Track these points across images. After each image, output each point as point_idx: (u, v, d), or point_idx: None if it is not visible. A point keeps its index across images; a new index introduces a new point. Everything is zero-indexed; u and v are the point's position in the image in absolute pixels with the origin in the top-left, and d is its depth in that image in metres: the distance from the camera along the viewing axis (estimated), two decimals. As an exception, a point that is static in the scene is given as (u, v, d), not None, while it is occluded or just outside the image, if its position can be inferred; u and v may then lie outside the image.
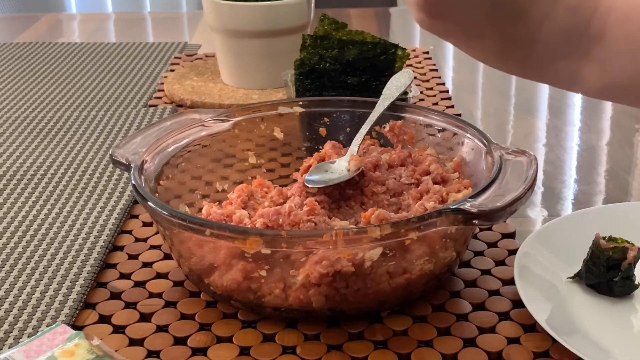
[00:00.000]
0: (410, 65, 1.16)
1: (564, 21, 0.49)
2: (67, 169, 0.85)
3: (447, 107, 1.01)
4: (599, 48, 0.48)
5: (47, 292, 0.63)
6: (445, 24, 0.52)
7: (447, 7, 0.50)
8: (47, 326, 0.59)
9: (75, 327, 0.60)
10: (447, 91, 1.07)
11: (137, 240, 0.72)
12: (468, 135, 0.70)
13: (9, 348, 0.56)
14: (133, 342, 0.58)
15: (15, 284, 0.65)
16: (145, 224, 0.75)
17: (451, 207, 0.55)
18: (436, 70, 1.16)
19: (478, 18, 0.50)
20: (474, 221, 0.55)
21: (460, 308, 0.61)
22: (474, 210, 0.55)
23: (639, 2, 0.47)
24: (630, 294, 0.62)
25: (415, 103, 0.97)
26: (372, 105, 0.73)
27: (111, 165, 0.80)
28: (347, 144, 0.71)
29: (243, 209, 0.66)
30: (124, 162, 0.66)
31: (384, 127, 0.74)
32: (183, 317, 0.61)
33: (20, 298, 0.63)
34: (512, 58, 0.52)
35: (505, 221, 0.71)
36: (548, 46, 0.50)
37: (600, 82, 0.50)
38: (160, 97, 1.07)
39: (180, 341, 0.58)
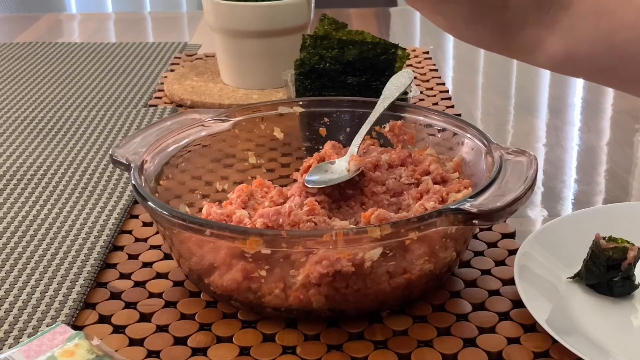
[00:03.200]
0: (410, 65, 1.16)
1: None
2: (67, 169, 0.85)
3: (447, 107, 1.01)
4: (566, 15, 0.49)
5: (47, 292, 0.63)
6: None
7: None
8: (47, 326, 0.59)
9: (75, 327, 0.60)
10: (447, 91, 1.07)
11: (137, 240, 0.72)
12: (468, 135, 0.70)
13: (9, 348, 0.56)
14: (133, 342, 0.58)
15: (15, 284, 0.65)
16: (145, 224, 0.75)
17: (451, 207, 0.55)
18: (436, 70, 1.16)
19: None
20: (474, 221, 0.55)
21: (460, 308, 0.61)
22: (474, 210, 0.55)
23: None
24: (630, 294, 0.62)
25: (415, 103, 0.97)
26: (372, 105, 0.73)
27: (111, 165, 0.80)
28: (347, 144, 0.71)
29: (243, 209, 0.66)
30: (124, 162, 0.66)
31: (384, 127, 0.74)
32: (183, 317, 0.61)
33: (20, 298, 0.63)
34: (482, 23, 0.53)
35: (505, 221, 0.71)
36: (518, 11, 0.50)
37: (563, 51, 0.50)
38: (160, 97, 1.07)
39: (180, 341, 0.58)
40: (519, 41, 0.52)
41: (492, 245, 0.70)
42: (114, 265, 0.68)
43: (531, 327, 0.59)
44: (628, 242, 0.62)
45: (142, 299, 0.63)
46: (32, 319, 0.60)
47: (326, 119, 0.77)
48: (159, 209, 0.58)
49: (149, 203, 0.59)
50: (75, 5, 2.44)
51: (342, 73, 0.83)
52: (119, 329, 0.60)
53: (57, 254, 0.69)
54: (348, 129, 0.76)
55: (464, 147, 0.70)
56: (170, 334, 0.59)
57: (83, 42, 1.33)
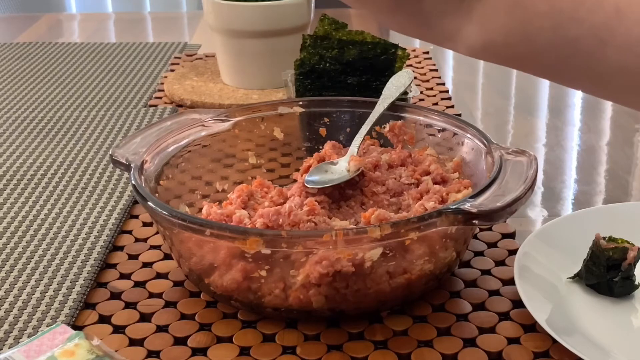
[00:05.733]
0: (410, 65, 1.16)
1: None
2: (67, 169, 0.85)
3: (447, 107, 1.01)
4: (480, 5, 0.50)
5: (47, 292, 0.63)
6: None
7: None
8: (47, 326, 0.59)
9: (75, 327, 0.60)
10: (447, 91, 1.07)
11: (137, 240, 0.72)
12: (468, 135, 0.70)
13: (9, 348, 0.56)
14: (133, 342, 0.58)
15: (15, 284, 0.65)
16: (145, 224, 0.75)
17: (451, 207, 0.55)
18: (436, 70, 1.16)
19: None
20: (474, 221, 0.55)
21: (460, 308, 0.61)
22: (474, 210, 0.55)
23: None
24: (630, 294, 0.62)
25: (415, 103, 0.97)
26: (372, 105, 0.73)
27: (111, 165, 0.80)
28: (347, 144, 0.71)
29: (243, 209, 0.66)
30: (124, 162, 0.66)
31: (384, 127, 0.74)
32: (183, 317, 0.61)
33: (20, 298, 0.63)
34: (401, 14, 0.54)
35: (505, 221, 0.71)
36: (434, 2, 0.51)
37: (481, 40, 0.51)
38: (160, 97, 1.07)
39: (180, 341, 0.58)
40: (439, 30, 0.53)
41: (492, 245, 0.70)
42: (114, 265, 0.68)
43: (531, 327, 0.59)
44: (628, 242, 0.62)
45: (142, 299, 0.63)
46: (32, 319, 0.60)
47: (326, 119, 0.77)
48: (159, 209, 0.58)
49: (149, 203, 0.59)
50: (75, 5, 2.44)
51: (342, 73, 0.83)
52: (119, 329, 0.60)
53: (57, 254, 0.69)
54: (348, 129, 0.76)
55: (464, 147, 0.70)
56: (170, 334, 0.59)
57: (83, 42, 1.33)
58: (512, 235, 0.71)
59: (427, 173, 0.68)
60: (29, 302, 0.62)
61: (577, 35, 0.47)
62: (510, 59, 0.52)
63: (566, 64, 0.49)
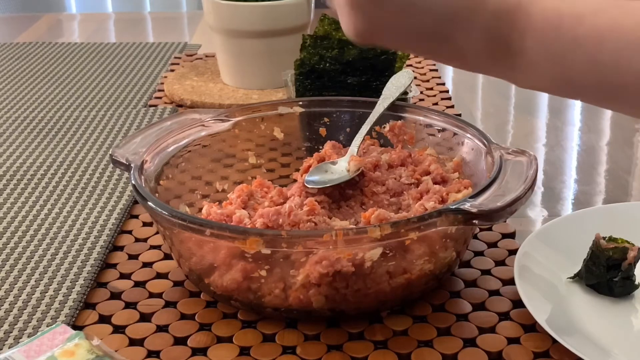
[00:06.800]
0: (410, 65, 1.16)
1: (484, 41, 0.53)
2: (67, 169, 0.85)
3: (447, 107, 1.01)
4: (522, 60, 0.52)
5: (47, 292, 0.63)
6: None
7: (375, 36, 0.55)
8: (47, 326, 0.59)
9: (75, 327, 0.60)
10: (447, 91, 1.07)
11: (137, 240, 0.72)
12: (468, 135, 0.70)
13: (9, 348, 0.56)
14: (133, 342, 0.58)
15: (15, 284, 0.65)
16: (145, 224, 0.75)
17: (451, 207, 0.55)
18: (436, 70, 1.16)
19: (405, 41, 0.55)
20: (474, 221, 0.55)
21: (460, 308, 0.61)
22: (474, 210, 0.55)
23: (551, 16, 0.50)
24: (630, 294, 0.62)
25: (415, 103, 0.97)
26: (372, 105, 0.73)
27: (111, 165, 0.80)
28: (347, 144, 0.71)
29: (243, 209, 0.66)
30: (124, 162, 0.66)
31: (384, 127, 0.74)
32: (183, 317, 0.61)
33: (20, 298, 0.63)
34: (452, 64, 0.59)
35: (505, 221, 0.71)
36: (476, 60, 0.54)
37: (529, 84, 0.54)
38: (160, 97, 1.07)
39: (180, 341, 0.58)
40: (489, 74, 0.56)
41: (492, 245, 0.70)
42: (114, 265, 0.68)
43: (531, 327, 0.59)
44: (628, 242, 0.62)
45: (142, 299, 0.63)
46: (32, 319, 0.60)
47: (326, 119, 0.77)
48: (159, 209, 0.58)
49: (149, 203, 0.59)
50: (75, 5, 2.44)
51: (342, 73, 0.83)
52: (119, 329, 0.60)
53: (57, 254, 0.69)
54: (348, 129, 0.76)
55: (464, 147, 0.70)
56: (170, 334, 0.59)
57: (83, 42, 1.33)
58: (512, 235, 0.71)
59: (427, 173, 0.68)
60: (29, 302, 0.62)
61: (622, 83, 0.48)
62: (560, 94, 0.55)
63: (614, 100, 0.51)
